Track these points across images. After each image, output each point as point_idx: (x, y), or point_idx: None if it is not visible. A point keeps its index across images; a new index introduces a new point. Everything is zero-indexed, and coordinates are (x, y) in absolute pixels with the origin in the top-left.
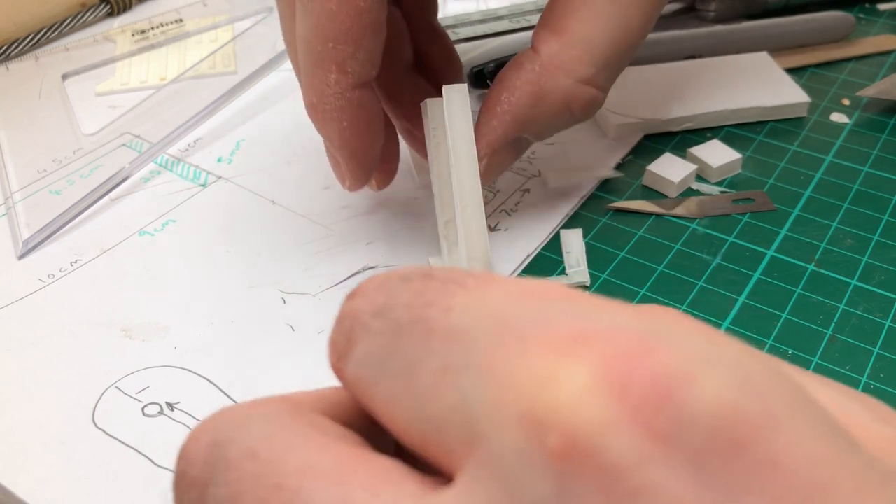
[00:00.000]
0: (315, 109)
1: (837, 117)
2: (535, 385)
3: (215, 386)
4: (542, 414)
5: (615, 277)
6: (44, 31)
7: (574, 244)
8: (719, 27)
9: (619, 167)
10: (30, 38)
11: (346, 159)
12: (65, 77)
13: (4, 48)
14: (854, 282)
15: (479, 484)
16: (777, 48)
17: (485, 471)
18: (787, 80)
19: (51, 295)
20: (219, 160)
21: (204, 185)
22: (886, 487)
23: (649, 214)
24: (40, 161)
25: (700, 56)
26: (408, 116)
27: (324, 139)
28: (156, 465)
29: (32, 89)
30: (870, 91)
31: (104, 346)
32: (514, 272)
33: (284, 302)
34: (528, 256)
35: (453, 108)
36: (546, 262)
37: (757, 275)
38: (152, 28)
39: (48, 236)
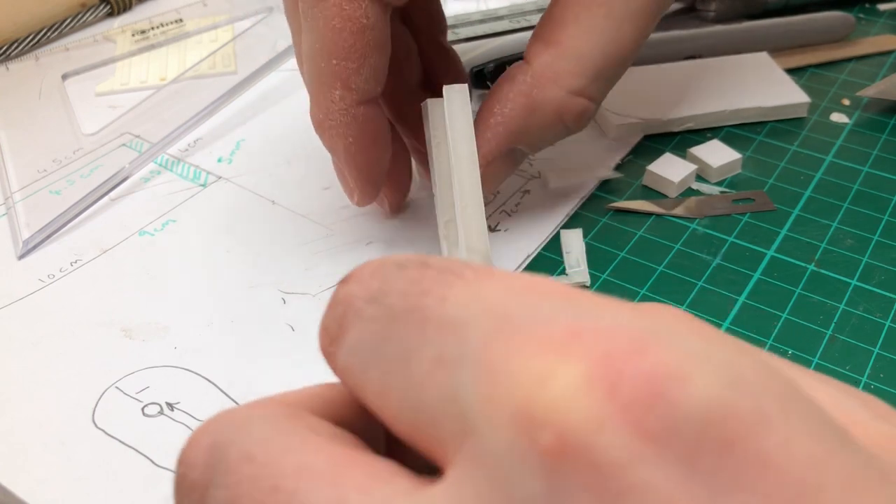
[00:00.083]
0: (321, 126)
1: (837, 117)
2: (528, 382)
3: (215, 386)
4: (534, 411)
5: (615, 277)
6: (44, 31)
7: (574, 244)
8: (719, 27)
9: (619, 167)
10: (30, 38)
11: (353, 175)
12: (65, 77)
13: (4, 48)
14: (854, 282)
15: (469, 478)
16: (777, 48)
17: (475, 465)
18: (787, 80)
19: (51, 295)
20: (219, 160)
21: (204, 185)
22: (885, 485)
23: (649, 214)
24: (40, 161)
25: (700, 56)
26: (416, 135)
27: (331, 155)
28: (156, 465)
29: (32, 89)
30: (870, 91)
31: (104, 346)
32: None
33: (284, 302)
34: (529, 257)
35: (454, 108)
36: (546, 263)
37: (757, 275)
38: (152, 28)
39: (48, 236)
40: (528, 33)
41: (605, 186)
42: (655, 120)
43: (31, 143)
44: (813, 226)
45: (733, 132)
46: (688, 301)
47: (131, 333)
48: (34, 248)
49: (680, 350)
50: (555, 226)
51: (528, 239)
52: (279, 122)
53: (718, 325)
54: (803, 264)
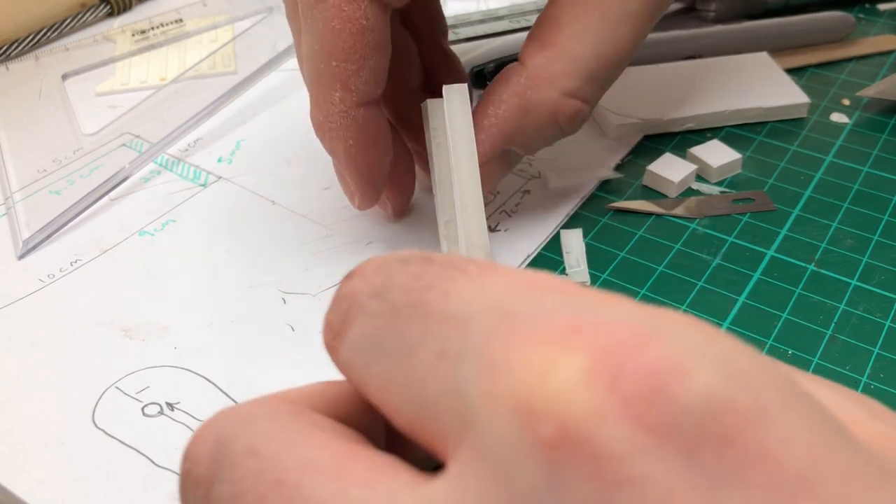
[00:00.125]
0: (321, 128)
1: (837, 117)
2: (529, 375)
3: (215, 386)
4: (535, 403)
5: (615, 277)
6: (44, 31)
7: (574, 244)
8: (719, 27)
9: (619, 167)
10: (30, 38)
11: (353, 177)
12: (65, 77)
13: (4, 48)
14: (854, 282)
15: (470, 471)
16: (777, 48)
17: (476, 458)
18: (787, 80)
19: (51, 295)
20: (219, 160)
21: (204, 185)
22: (885, 481)
23: (649, 214)
24: (40, 161)
25: (700, 56)
26: (417, 137)
27: (331, 157)
28: (156, 465)
29: (32, 89)
30: (870, 91)
31: (104, 346)
32: None
33: (284, 302)
34: (529, 256)
35: (453, 108)
36: (546, 263)
37: (757, 275)
38: (152, 28)
39: (48, 236)
40: (528, 33)
41: (605, 186)
42: (655, 120)
43: (31, 143)
44: (813, 226)
45: (733, 132)
46: (688, 301)
47: (131, 333)
48: (34, 248)
49: (680, 345)
50: (555, 226)
51: (528, 239)
52: (279, 122)
53: (718, 326)
54: (803, 264)
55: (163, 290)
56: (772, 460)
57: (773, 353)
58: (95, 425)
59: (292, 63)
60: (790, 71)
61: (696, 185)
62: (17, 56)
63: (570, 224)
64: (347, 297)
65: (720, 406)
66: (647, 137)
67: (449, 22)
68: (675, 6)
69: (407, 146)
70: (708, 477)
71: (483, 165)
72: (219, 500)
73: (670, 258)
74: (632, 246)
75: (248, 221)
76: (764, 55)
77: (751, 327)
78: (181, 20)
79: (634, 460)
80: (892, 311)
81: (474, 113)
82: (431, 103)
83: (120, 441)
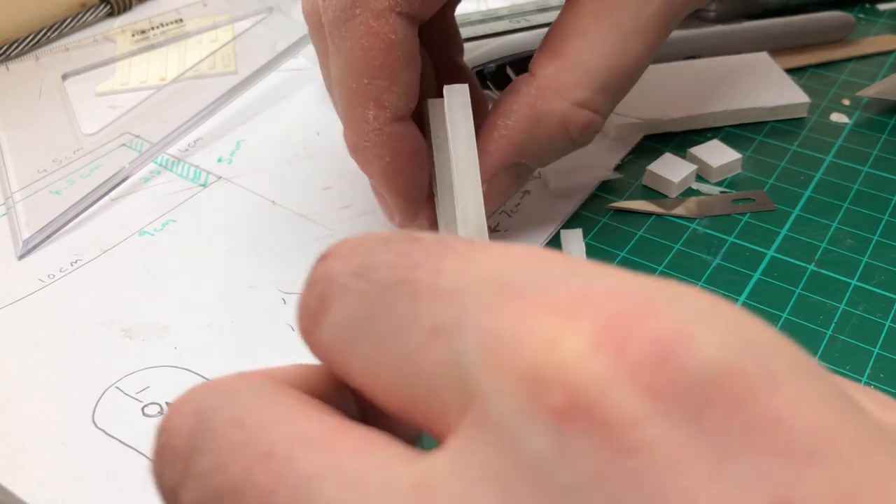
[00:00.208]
0: (356, 148)
1: (837, 117)
2: (535, 344)
3: None
4: (543, 372)
5: None
6: (44, 31)
7: (574, 244)
8: (719, 27)
9: (619, 167)
10: (30, 38)
11: (392, 195)
12: (65, 77)
13: (4, 48)
14: (854, 282)
15: (475, 443)
16: (777, 48)
17: (482, 430)
18: (787, 80)
19: (51, 295)
20: (219, 160)
21: (204, 185)
22: None
23: (649, 214)
24: (40, 161)
25: (700, 56)
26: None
27: (369, 178)
28: None
29: (32, 89)
30: (870, 91)
31: (104, 346)
32: None
33: (284, 302)
34: None
35: (454, 108)
36: None
37: (757, 275)
38: (152, 28)
39: (48, 236)
40: (528, 33)
41: (605, 186)
42: (655, 120)
43: (31, 143)
44: (813, 226)
45: (733, 132)
46: None
47: (131, 333)
48: (34, 248)
49: (687, 312)
50: (555, 226)
51: (528, 239)
52: (279, 122)
53: None
54: (803, 264)
55: (163, 290)
56: (781, 427)
57: None
58: (95, 425)
59: (292, 63)
60: (790, 71)
61: (696, 185)
62: (17, 56)
63: (570, 224)
64: (324, 278)
65: (728, 372)
66: (647, 137)
67: None
68: None
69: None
70: (716, 443)
71: (492, 179)
72: (199, 473)
73: (670, 258)
74: (632, 246)
75: (248, 221)
76: (764, 55)
77: None
78: (181, 20)
79: (643, 427)
80: (892, 311)
81: (482, 124)
82: (432, 103)
83: (120, 441)
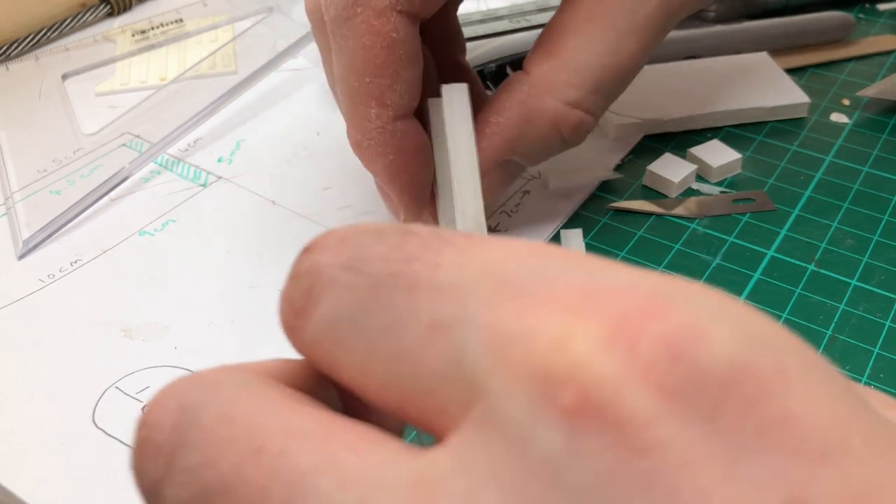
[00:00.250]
0: (359, 146)
1: (837, 117)
2: (546, 342)
3: None
4: (554, 370)
5: None
6: (44, 31)
7: (574, 244)
8: (719, 27)
9: (619, 167)
10: (30, 38)
11: (396, 193)
12: (65, 77)
13: (4, 48)
14: (854, 282)
15: (481, 440)
16: (777, 48)
17: (488, 427)
18: (787, 80)
19: (51, 295)
20: (219, 160)
21: (204, 185)
22: None
23: (649, 214)
24: (40, 161)
25: (700, 56)
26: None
27: (373, 176)
28: None
29: (32, 89)
30: (870, 91)
31: (104, 346)
32: None
33: None
34: None
35: (453, 108)
36: None
37: (757, 275)
38: (152, 28)
39: (48, 236)
40: (528, 33)
41: (605, 186)
42: (655, 120)
43: (31, 143)
44: (813, 226)
45: (733, 132)
46: None
47: (131, 333)
48: (34, 248)
49: (699, 309)
50: (555, 226)
51: (529, 239)
52: (279, 122)
53: None
54: (803, 264)
55: (163, 290)
56: (794, 426)
57: None
58: (95, 425)
59: (292, 63)
60: (790, 71)
61: (696, 185)
62: (17, 56)
63: (570, 224)
64: (310, 271)
65: (741, 371)
66: (647, 137)
67: None
68: None
69: None
70: (730, 442)
71: (484, 174)
72: (185, 469)
73: (670, 258)
74: (632, 246)
75: (248, 221)
76: (764, 55)
77: None
78: (181, 20)
79: (657, 427)
80: (892, 311)
81: (476, 121)
82: (432, 103)
83: (120, 441)
